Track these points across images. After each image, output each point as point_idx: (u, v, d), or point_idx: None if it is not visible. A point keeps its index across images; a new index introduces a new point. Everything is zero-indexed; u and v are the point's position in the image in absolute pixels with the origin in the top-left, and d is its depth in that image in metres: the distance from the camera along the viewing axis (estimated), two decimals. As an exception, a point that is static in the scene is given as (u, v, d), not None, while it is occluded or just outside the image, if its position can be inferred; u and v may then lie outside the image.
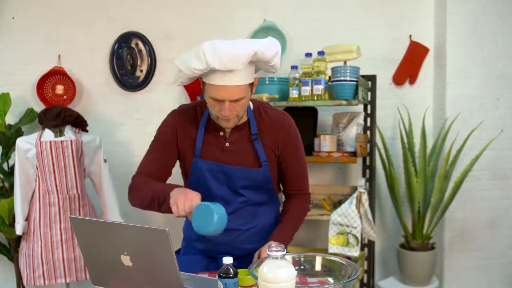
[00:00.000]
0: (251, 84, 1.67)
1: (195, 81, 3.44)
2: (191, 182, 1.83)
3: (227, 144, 1.79)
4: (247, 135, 1.79)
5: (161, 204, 1.64)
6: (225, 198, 1.80)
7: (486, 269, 3.49)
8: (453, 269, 3.46)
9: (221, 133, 1.79)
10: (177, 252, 1.97)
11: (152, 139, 3.55)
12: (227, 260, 1.38)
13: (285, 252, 1.19)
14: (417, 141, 3.40)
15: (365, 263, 3.25)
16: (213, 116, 1.73)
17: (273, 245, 1.20)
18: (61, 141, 2.91)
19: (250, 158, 1.79)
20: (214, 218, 1.45)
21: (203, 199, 1.60)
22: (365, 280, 3.30)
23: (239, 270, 1.47)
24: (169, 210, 1.59)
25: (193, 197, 1.52)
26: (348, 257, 2.94)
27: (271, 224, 1.89)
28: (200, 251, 1.88)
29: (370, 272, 3.27)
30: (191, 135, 1.81)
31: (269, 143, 1.80)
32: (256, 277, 1.26)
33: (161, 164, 1.83)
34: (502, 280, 3.52)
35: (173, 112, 1.89)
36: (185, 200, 1.51)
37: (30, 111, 3.34)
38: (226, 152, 1.79)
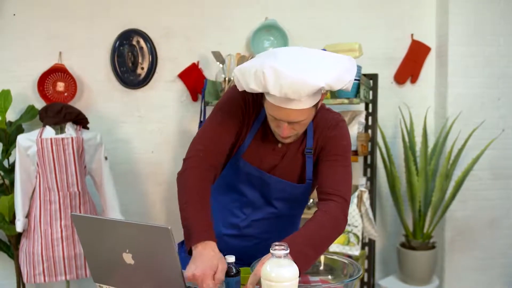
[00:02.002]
0: (316, 104, 1.47)
1: (196, 80, 3.46)
2: (223, 174, 1.69)
3: (279, 145, 1.63)
4: (302, 146, 1.63)
5: (186, 233, 1.44)
6: (255, 203, 1.69)
7: (486, 269, 3.49)
8: (453, 269, 3.46)
9: None
10: (182, 249, 1.80)
11: (152, 137, 3.57)
12: (230, 258, 1.38)
13: (288, 251, 1.18)
14: (418, 140, 3.40)
15: (366, 262, 3.24)
16: (271, 127, 1.55)
17: (276, 244, 1.19)
18: (62, 138, 2.90)
19: (296, 170, 1.64)
20: None
21: (232, 200, 1.54)
22: (365, 279, 3.30)
23: (242, 269, 1.47)
24: (186, 243, 1.43)
25: (206, 282, 1.31)
26: (349, 256, 2.93)
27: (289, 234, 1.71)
28: None
29: (370, 271, 3.27)
30: (247, 125, 1.62)
31: (316, 148, 1.63)
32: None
33: (220, 143, 1.57)
34: (502, 280, 3.52)
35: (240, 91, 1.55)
36: (198, 282, 1.32)
37: (31, 108, 3.34)
38: (274, 155, 1.64)
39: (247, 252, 1.65)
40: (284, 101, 1.40)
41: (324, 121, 1.62)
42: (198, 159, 1.54)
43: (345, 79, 1.39)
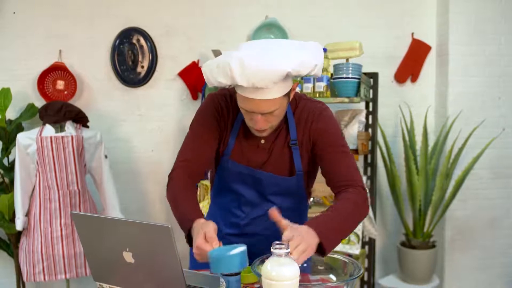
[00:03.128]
0: (288, 93, 1.49)
1: (196, 79, 3.45)
2: (216, 178, 1.72)
3: (262, 141, 1.64)
4: (285, 139, 1.63)
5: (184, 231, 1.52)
6: (253, 201, 1.70)
7: (486, 268, 3.49)
8: (453, 268, 3.46)
9: None
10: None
11: (152, 136, 3.57)
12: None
13: (288, 249, 1.18)
14: (418, 139, 3.39)
15: (366, 261, 3.24)
16: (246, 122, 1.58)
17: (276, 243, 1.19)
18: (62, 137, 2.90)
19: (285, 163, 1.64)
20: (235, 262, 1.32)
21: (229, 200, 1.55)
22: (365, 278, 3.30)
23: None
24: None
25: (202, 247, 1.36)
26: (349, 255, 2.93)
27: None
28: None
29: (370, 270, 3.27)
30: (227, 129, 1.65)
31: (305, 143, 1.62)
32: (259, 275, 1.26)
33: (201, 154, 1.63)
34: (502, 279, 3.52)
35: (212, 97, 1.67)
36: (196, 252, 1.38)
37: (30, 106, 3.33)
38: (260, 152, 1.64)
39: (251, 250, 1.64)
40: (253, 92, 1.41)
41: (306, 112, 1.62)
42: (181, 171, 1.63)
43: (310, 63, 1.39)
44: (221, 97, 1.66)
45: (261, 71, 1.34)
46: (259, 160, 1.65)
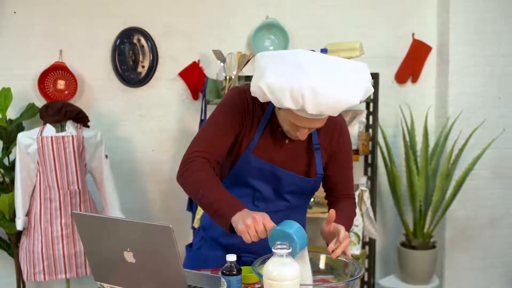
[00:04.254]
0: None
1: (196, 79, 3.46)
2: (233, 171, 1.70)
3: (286, 141, 1.66)
4: (307, 141, 1.66)
5: (216, 217, 1.51)
6: (268, 197, 1.71)
7: (486, 268, 3.49)
8: (453, 268, 3.46)
9: (280, 129, 1.64)
10: (189, 245, 1.88)
11: (152, 135, 3.57)
12: (231, 257, 1.38)
13: (290, 250, 1.18)
14: (419, 139, 3.39)
15: (366, 261, 3.25)
16: (284, 129, 1.59)
17: (278, 243, 1.19)
18: (62, 137, 2.90)
19: (305, 164, 1.70)
20: (296, 243, 1.34)
21: (243, 194, 1.59)
22: (365, 278, 3.30)
23: (244, 268, 1.46)
24: (221, 223, 1.50)
25: (265, 222, 1.40)
26: (349, 255, 2.93)
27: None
28: (225, 247, 1.75)
29: (370, 270, 3.27)
30: (252, 124, 1.66)
31: (327, 149, 1.71)
32: (260, 275, 1.26)
33: (221, 145, 1.64)
34: (502, 279, 3.52)
35: (239, 91, 1.66)
36: (256, 226, 1.39)
37: (31, 106, 3.33)
38: (283, 151, 1.67)
39: (262, 245, 1.67)
40: (315, 116, 1.43)
41: (328, 121, 1.62)
42: (201, 160, 1.59)
43: (370, 90, 1.46)
44: (248, 92, 1.58)
45: (334, 103, 1.36)
46: (282, 159, 1.67)
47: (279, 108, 1.52)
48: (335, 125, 1.70)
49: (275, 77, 1.38)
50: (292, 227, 1.36)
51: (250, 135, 1.66)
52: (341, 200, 1.78)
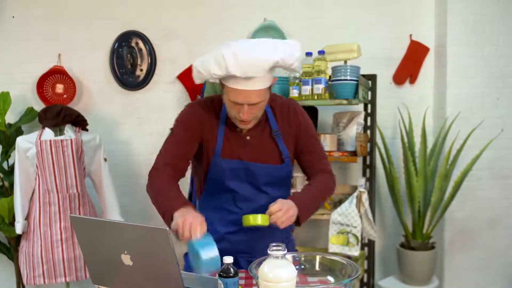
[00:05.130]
0: (270, 87, 1.67)
1: (194, 82, 3.46)
2: (209, 179, 1.79)
3: (248, 138, 1.77)
4: (268, 131, 1.78)
5: (166, 221, 1.61)
6: (247, 196, 1.78)
7: (486, 269, 3.49)
8: (453, 269, 3.46)
9: (239, 128, 1.77)
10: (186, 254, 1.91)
11: (151, 138, 3.57)
12: (228, 259, 1.38)
13: (285, 251, 1.18)
14: (417, 140, 3.40)
15: (365, 262, 3.24)
16: (231, 117, 1.72)
17: (273, 244, 1.19)
18: (61, 140, 2.90)
19: (272, 154, 1.78)
20: (202, 259, 1.42)
21: (224, 200, 1.66)
22: (365, 280, 3.30)
23: (244, 217, 1.60)
24: (167, 223, 1.59)
25: (192, 226, 1.47)
26: (348, 257, 2.93)
27: None
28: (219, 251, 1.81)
29: (370, 271, 3.27)
30: (212, 131, 1.77)
31: (289, 133, 1.80)
32: (256, 277, 1.26)
33: (181, 156, 1.78)
34: (502, 280, 3.52)
35: (193, 105, 1.83)
36: (184, 227, 1.47)
37: (30, 110, 3.34)
38: (248, 147, 1.77)
39: (253, 245, 1.77)
40: (244, 82, 1.57)
41: (282, 106, 1.82)
42: (161, 170, 1.73)
43: (294, 55, 1.60)
44: (202, 103, 1.80)
45: (254, 60, 1.52)
46: (248, 154, 1.76)
47: (222, 89, 1.67)
48: (288, 109, 1.81)
49: (204, 55, 1.63)
50: (207, 244, 1.44)
51: (213, 141, 1.76)
52: (316, 175, 1.84)
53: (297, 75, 2.96)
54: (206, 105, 1.81)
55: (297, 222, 1.70)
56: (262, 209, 1.67)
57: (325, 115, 3.43)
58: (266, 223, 1.59)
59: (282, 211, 1.59)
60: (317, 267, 1.54)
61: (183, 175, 1.79)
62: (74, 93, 3.40)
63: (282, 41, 1.65)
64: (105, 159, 3.11)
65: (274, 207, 1.59)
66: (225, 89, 1.65)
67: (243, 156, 1.76)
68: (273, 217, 1.59)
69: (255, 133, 1.77)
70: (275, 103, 1.81)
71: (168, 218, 1.59)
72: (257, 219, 1.58)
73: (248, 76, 1.54)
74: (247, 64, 1.52)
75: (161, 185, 1.68)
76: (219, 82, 1.68)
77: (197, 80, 1.68)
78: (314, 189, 1.79)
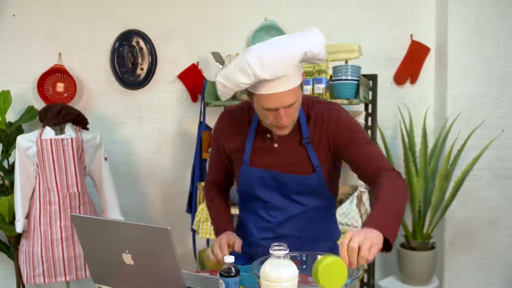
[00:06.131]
0: (301, 84, 1.56)
1: (195, 81, 3.46)
2: (240, 189, 1.78)
3: (275, 145, 1.69)
4: (297, 137, 1.67)
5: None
6: (279, 205, 1.72)
7: (486, 269, 3.49)
8: (453, 269, 3.46)
9: (268, 135, 1.69)
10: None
11: (152, 138, 3.59)
12: (229, 259, 1.38)
13: (287, 251, 1.18)
14: (418, 140, 3.40)
15: (365, 262, 3.24)
16: (266, 125, 1.63)
17: (275, 244, 1.19)
18: (62, 139, 2.90)
19: (302, 162, 1.67)
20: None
21: (257, 207, 1.72)
22: (365, 280, 3.30)
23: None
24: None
25: (219, 250, 1.67)
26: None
27: (326, 230, 1.78)
28: (246, 255, 1.78)
29: (370, 271, 3.27)
30: (240, 140, 1.73)
31: (321, 143, 1.65)
32: (258, 276, 1.26)
33: (222, 172, 1.89)
34: (502, 280, 3.52)
35: (221, 118, 1.82)
36: (214, 252, 1.68)
37: (30, 108, 3.34)
38: (275, 154, 1.68)
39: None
40: (275, 85, 1.47)
41: (316, 110, 1.67)
42: (208, 189, 1.95)
43: (320, 43, 1.48)
44: (232, 113, 1.78)
45: (280, 58, 1.43)
46: (276, 163, 1.68)
47: (251, 99, 1.57)
48: (323, 115, 1.65)
49: (225, 69, 1.53)
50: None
51: (240, 150, 1.72)
52: (376, 180, 1.53)
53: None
54: (236, 114, 1.77)
55: (387, 245, 1.34)
56: (297, 219, 1.68)
57: (326, 115, 3.43)
58: (344, 277, 1.23)
59: (352, 249, 1.25)
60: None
61: (232, 184, 1.95)
62: (75, 92, 3.40)
63: (302, 32, 1.52)
64: (106, 158, 3.11)
65: (342, 251, 1.26)
66: (255, 99, 1.55)
67: (271, 164, 1.69)
68: (345, 260, 1.25)
69: (283, 140, 1.67)
70: (311, 109, 1.68)
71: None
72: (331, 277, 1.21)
73: (278, 76, 1.45)
74: (274, 64, 1.43)
75: (209, 205, 1.93)
76: (247, 93, 1.58)
77: (224, 97, 1.57)
78: (386, 199, 1.44)
